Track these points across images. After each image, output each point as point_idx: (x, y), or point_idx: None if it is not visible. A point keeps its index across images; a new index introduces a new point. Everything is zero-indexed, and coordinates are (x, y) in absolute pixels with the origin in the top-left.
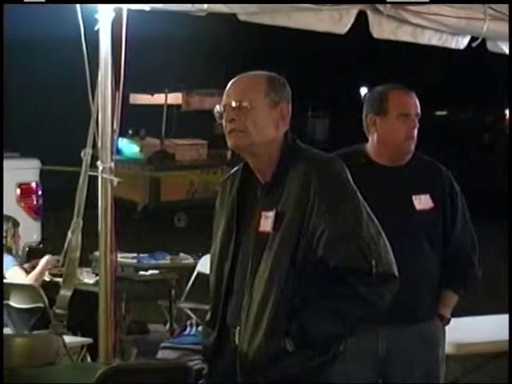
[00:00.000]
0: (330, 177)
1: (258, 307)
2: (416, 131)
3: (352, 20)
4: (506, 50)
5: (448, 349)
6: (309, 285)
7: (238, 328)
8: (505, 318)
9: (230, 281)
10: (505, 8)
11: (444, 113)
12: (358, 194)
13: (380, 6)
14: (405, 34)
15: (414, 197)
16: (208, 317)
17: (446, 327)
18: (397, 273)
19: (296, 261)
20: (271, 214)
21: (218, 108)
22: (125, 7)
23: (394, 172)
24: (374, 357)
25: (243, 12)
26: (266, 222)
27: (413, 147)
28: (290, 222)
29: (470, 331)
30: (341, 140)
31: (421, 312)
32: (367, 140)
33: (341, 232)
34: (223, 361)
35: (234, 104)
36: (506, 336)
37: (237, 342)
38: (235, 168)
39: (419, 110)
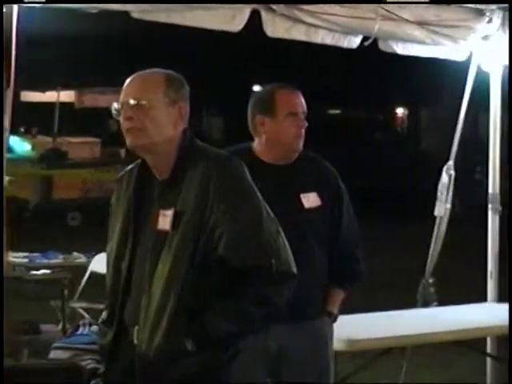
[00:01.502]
0: (230, 175)
1: (158, 306)
2: (304, 130)
3: (246, 18)
4: (398, 50)
5: (339, 345)
6: (209, 284)
7: (137, 327)
8: (398, 313)
9: (128, 279)
10: (396, 8)
11: (337, 112)
12: (258, 193)
13: (274, 5)
14: (299, 33)
15: (302, 195)
16: (104, 315)
17: (339, 324)
18: (295, 271)
19: (195, 260)
20: (170, 213)
21: (115, 105)
22: (15, 4)
23: (282, 171)
24: (266, 355)
25: (136, 10)
26: (165, 220)
27: (301, 146)
28: (189, 221)
29: (361, 327)
30: (236, 138)
31: (310, 310)
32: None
33: (241, 231)
34: (121, 360)
35: (132, 102)
36: (396, 332)
37: (135, 341)
38: (131, 165)
39: (306, 109)
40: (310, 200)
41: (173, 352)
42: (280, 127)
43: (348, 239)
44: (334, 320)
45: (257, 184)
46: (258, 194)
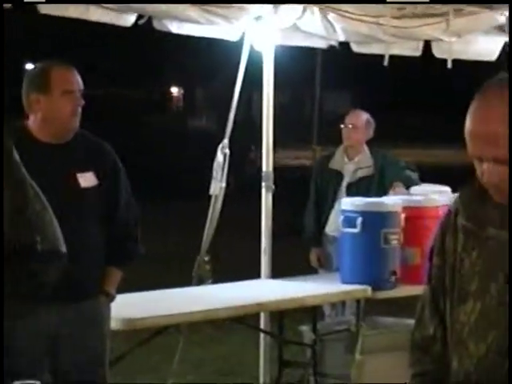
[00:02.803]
0: None
1: None
2: (80, 108)
3: None
4: (172, 29)
5: (115, 324)
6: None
7: None
8: (174, 291)
9: None
10: None
11: (113, 90)
12: (23, 169)
13: None
14: (74, 11)
15: (78, 175)
16: None
17: (115, 303)
18: (64, 250)
19: None
20: None
21: None
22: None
23: (57, 150)
24: (43, 334)
25: None
26: None
27: (77, 124)
28: None
29: (138, 306)
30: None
31: (87, 289)
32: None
33: (16, 208)
34: None
35: None
36: (172, 310)
37: None
38: None
39: (82, 87)
40: (87, 179)
41: None
42: (55, 105)
43: (125, 218)
44: (112, 300)
45: (31, 163)
46: (24, 171)
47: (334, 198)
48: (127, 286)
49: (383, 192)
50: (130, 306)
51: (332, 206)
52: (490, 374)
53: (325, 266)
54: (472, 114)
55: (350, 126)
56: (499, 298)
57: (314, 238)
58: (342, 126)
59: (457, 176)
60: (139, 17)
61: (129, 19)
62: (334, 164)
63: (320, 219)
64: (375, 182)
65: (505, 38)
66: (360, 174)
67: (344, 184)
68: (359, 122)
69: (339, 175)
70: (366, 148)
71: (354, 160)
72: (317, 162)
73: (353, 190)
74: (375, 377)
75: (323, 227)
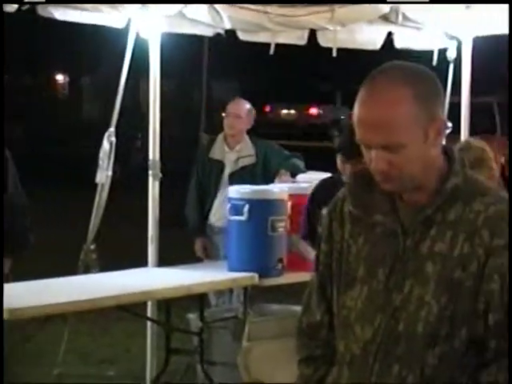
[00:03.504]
0: None
1: None
2: None
3: None
4: (56, 15)
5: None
6: None
7: None
8: (60, 280)
9: None
10: None
11: None
12: None
13: None
14: None
15: None
16: None
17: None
18: None
19: None
20: None
21: None
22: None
23: None
24: None
25: None
26: None
27: None
28: None
29: (23, 296)
30: None
31: None
32: None
33: None
34: None
35: None
36: (58, 299)
37: None
38: None
39: None
40: None
41: None
42: None
43: (15, 206)
44: None
45: None
46: None
47: (217, 188)
48: (14, 275)
49: (268, 181)
50: (15, 296)
51: (215, 196)
52: (378, 357)
53: (211, 256)
54: (360, 102)
55: (233, 115)
56: (386, 282)
57: (198, 228)
58: (224, 115)
59: None
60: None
61: (11, 6)
62: (215, 153)
63: (203, 209)
64: (259, 170)
65: (388, 28)
66: (242, 163)
67: (226, 173)
68: (242, 112)
69: (220, 164)
70: (246, 137)
71: (235, 149)
72: (198, 152)
73: (236, 180)
74: (262, 363)
75: (207, 217)
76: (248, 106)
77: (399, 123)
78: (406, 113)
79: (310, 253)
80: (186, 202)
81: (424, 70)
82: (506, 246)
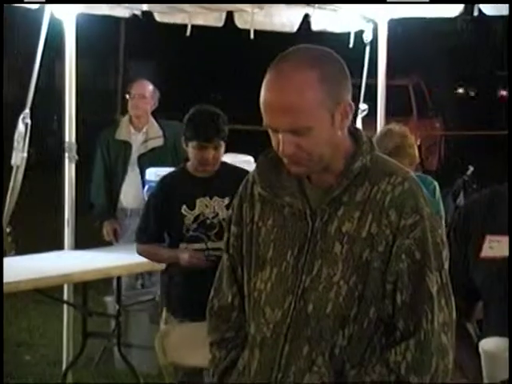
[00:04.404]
0: None
1: None
2: None
3: None
4: None
5: None
6: None
7: None
8: None
9: None
10: None
11: None
12: None
13: None
14: None
15: None
16: None
17: None
18: None
19: None
20: None
21: None
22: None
23: None
24: None
25: None
26: None
27: None
28: None
29: None
30: None
31: None
32: None
33: None
34: None
35: None
36: None
37: None
38: None
39: None
40: None
41: None
42: None
43: None
44: None
45: None
46: None
47: (125, 170)
48: None
49: (178, 163)
50: None
51: (123, 179)
52: (288, 338)
53: (122, 239)
54: (267, 85)
55: (137, 96)
56: (295, 264)
57: (106, 211)
58: (128, 96)
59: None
60: None
61: None
62: (121, 135)
63: (111, 192)
64: (169, 152)
65: (305, 10)
66: (150, 144)
67: (134, 155)
68: (146, 92)
69: (127, 146)
70: (152, 118)
71: (142, 131)
72: (101, 134)
73: (145, 161)
74: (179, 346)
75: (115, 200)
76: (152, 86)
77: (306, 107)
78: (312, 97)
79: None
80: (91, 185)
81: (330, 54)
82: (415, 224)
